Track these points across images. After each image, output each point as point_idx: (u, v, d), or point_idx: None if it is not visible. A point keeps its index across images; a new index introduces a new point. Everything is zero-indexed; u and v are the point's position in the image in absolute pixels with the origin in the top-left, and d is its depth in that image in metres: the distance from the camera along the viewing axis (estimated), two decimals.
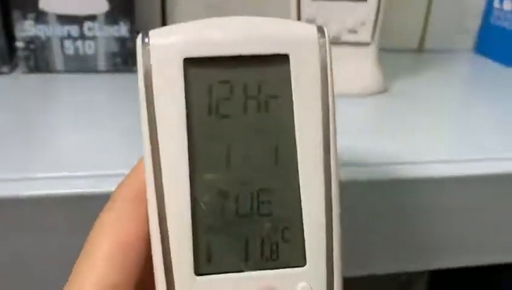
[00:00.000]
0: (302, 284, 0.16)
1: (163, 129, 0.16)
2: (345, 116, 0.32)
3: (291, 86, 0.16)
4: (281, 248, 0.16)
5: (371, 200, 0.26)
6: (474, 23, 0.49)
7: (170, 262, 0.16)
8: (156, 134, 0.16)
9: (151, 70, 0.16)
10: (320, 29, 0.17)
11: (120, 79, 0.38)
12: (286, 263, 0.17)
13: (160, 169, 0.16)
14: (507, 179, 0.28)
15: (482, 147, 0.30)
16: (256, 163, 0.17)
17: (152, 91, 0.16)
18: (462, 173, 0.27)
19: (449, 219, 0.28)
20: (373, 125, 0.33)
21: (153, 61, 0.16)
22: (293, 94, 0.16)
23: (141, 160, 0.18)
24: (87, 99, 0.35)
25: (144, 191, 0.17)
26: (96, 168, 0.25)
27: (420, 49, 0.49)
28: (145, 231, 0.17)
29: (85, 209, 0.23)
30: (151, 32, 0.17)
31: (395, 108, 0.35)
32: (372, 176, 0.26)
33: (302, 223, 0.16)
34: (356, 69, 0.35)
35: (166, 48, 0.16)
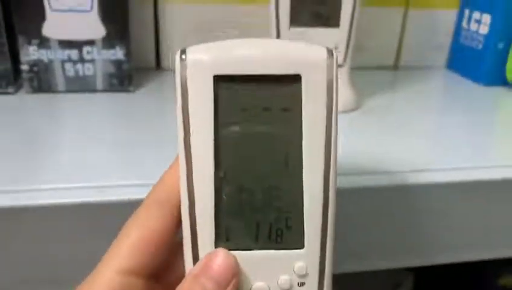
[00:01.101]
0: (299, 263, 0.20)
1: (195, 134, 0.19)
2: None
3: (302, 100, 0.19)
4: (284, 233, 0.20)
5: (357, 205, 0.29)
6: (446, 42, 0.52)
7: (196, 240, 0.19)
8: (189, 138, 0.19)
9: (186, 82, 0.19)
10: (329, 51, 0.19)
11: (117, 98, 0.40)
12: (288, 245, 0.20)
13: (191, 166, 0.19)
14: (477, 186, 0.30)
15: (453, 155, 0.33)
16: (268, 165, 0.20)
17: (187, 101, 0.19)
18: (429, 181, 0.30)
19: (422, 220, 0.31)
20: (349, 139, 0.37)
21: (189, 75, 0.19)
22: (303, 108, 0.19)
23: (168, 168, 0.21)
24: (87, 117, 0.37)
25: (171, 196, 0.20)
26: (96, 180, 0.27)
27: (395, 66, 0.52)
28: (167, 229, 0.20)
29: (86, 217, 0.26)
30: (188, 49, 0.19)
31: (367, 123, 0.38)
32: (347, 185, 0.29)
33: (302, 215, 0.20)
34: None
35: (200, 64, 0.19)
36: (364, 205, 0.29)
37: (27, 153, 0.30)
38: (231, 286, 0.19)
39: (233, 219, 0.20)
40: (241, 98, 0.19)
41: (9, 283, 0.27)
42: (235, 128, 0.20)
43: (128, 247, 0.20)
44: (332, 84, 0.19)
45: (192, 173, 0.19)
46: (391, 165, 0.31)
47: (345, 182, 0.28)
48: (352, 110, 0.39)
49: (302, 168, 0.20)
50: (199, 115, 0.19)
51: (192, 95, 0.19)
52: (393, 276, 0.63)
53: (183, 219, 0.20)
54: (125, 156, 0.30)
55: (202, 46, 0.20)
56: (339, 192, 0.28)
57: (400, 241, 0.31)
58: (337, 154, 0.20)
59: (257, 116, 0.20)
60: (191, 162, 0.19)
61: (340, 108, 0.38)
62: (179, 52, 0.19)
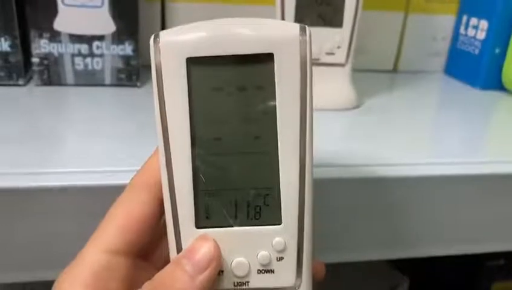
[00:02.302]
0: (277, 238, 0.20)
1: (171, 115, 0.20)
2: (322, 127, 0.36)
3: (275, 79, 0.19)
4: (262, 210, 0.20)
5: (352, 197, 0.30)
6: (444, 47, 0.54)
7: (177, 218, 0.20)
8: (166, 120, 0.20)
9: (160, 65, 0.19)
10: (302, 28, 0.19)
11: (124, 92, 0.41)
12: (266, 221, 0.20)
13: (169, 148, 0.20)
14: (467, 179, 0.31)
15: (446, 152, 0.34)
16: (245, 143, 0.20)
17: (162, 83, 0.19)
18: (425, 174, 0.31)
19: (415, 212, 0.32)
20: (348, 134, 0.38)
21: (162, 58, 0.19)
22: (276, 86, 0.19)
23: (151, 155, 0.22)
24: (95, 109, 0.38)
25: (155, 179, 0.21)
26: (101, 167, 0.28)
27: (395, 70, 0.53)
28: (151, 211, 0.21)
29: (93, 199, 0.27)
30: (162, 33, 0.20)
31: (365, 120, 0.39)
32: (344, 175, 0.30)
33: (279, 192, 0.20)
34: (332, 87, 0.39)
35: (172, 47, 0.19)
36: (354, 196, 0.30)
37: (36, 142, 0.31)
38: (210, 268, 0.19)
39: (212, 198, 0.20)
40: (215, 79, 0.20)
41: (18, 263, 0.28)
42: (210, 109, 0.20)
43: (114, 227, 0.21)
44: (306, 61, 0.19)
45: (170, 155, 0.20)
46: (384, 158, 0.32)
47: (336, 173, 0.29)
48: (352, 108, 0.41)
49: (277, 146, 0.20)
50: (174, 98, 0.19)
51: (166, 79, 0.19)
52: (389, 279, 0.64)
53: (164, 200, 0.20)
54: (130, 147, 0.31)
55: (175, 29, 0.20)
56: (330, 183, 0.29)
57: (390, 233, 0.32)
58: (313, 132, 0.20)
59: (232, 95, 0.20)
60: (169, 145, 0.20)
61: (340, 106, 0.40)
62: (152, 37, 0.19)
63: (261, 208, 0.20)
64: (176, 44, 0.19)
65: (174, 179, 0.20)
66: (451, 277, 0.61)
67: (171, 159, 0.20)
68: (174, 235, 0.20)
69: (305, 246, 0.21)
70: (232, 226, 0.20)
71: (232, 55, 0.19)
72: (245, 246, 0.20)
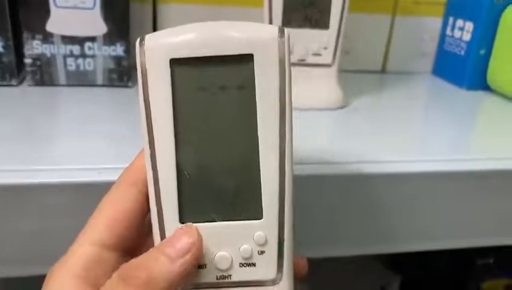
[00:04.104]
0: (258, 232, 0.21)
1: (156, 115, 0.20)
2: (308, 126, 0.37)
3: (255, 79, 0.20)
4: (244, 205, 0.21)
5: (340, 193, 0.31)
6: (431, 48, 0.55)
7: (162, 214, 0.21)
8: (151, 120, 0.20)
9: (145, 67, 0.20)
10: (281, 30, 0.20)
11: (116, 92, 0.42)
12: (247, 216, 0.21)
13: (154, 145, 0.21)
14: (453, 176, 0.32)
15: (433, 150, 0.35)
16: (226, 141, 0.21)
17: (147, 85, 0.20)
18: (412, 170, 0.31)
19: (401, 208, 0.32)
20: (335, 133, 0.39)
21: (147, 60, 0.20)
22: (256, 86, 0.20)
23: (139, 153, 0.23)
24: (86, 109, 0.38)
25: (142, 177, 0.22)
26: (94, 164, 0.28)
27: (383, 70, 0.54)
28: (138, 207, 0.22)
29: (85, 195, 0.27)
30: (147, 36, 0.20)
31: (351, 120, 0.40)
32: (331, 172, 0.30)
33: (260, 188, 0.21)
34: (319, 88, 0.40)
35: (156, 49, 0.20)
36: (341, 193, 0.31)
37: (29, 141, 0.32)
38: (191, 253, 0.20)
39: (195, 194, 0.21)
40: (197, 79, 0.20)
41: (15, 258, 0.28)
42: (193, 107, 0.20)
43: (104, 222, 0.21)
44: (284, 62, 0.20)
45: (155, 153, 0.21)
46: (371, 156, 0.32)
47: (323, 170, 0.30)
48: (339, 108, 0.41)
49: (258, 143, 0.21)
50: (158, 98, 0.20)
51: (151, 79, 0.20)
52: (380, 278, 0.65)
53: (149, 196, 0.21)
54: (120, 145, 0.32)
55: (159, 32, 0.21)
56: (318, 179, 0.30)
57: (376, 229, 0.33)
58: (292, 128, 0.21)
59: (213, 95, 0.20)
60: (154, 142, 0.20)
61: (326, 105, 0.41)
62: (138, 40, 0.20)
63: (242, 203, 0.21)
64: (160, 46, 0.20)
65: (159, 176, 0.21)
66: (442, 275, 0.62)
67: (155, 156, 0.21)
68: (158, 230, 0.21)
69: (286, 240, 0.21)
70: (215, 221, 0.21)
71: (214, 56, 0.20)
72: (227, 240, 0.21)
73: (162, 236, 0.21)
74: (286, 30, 0.20)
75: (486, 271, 0.60)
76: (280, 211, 0.21)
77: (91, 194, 0.27)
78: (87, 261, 0.21)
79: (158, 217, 0.21)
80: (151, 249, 0.20)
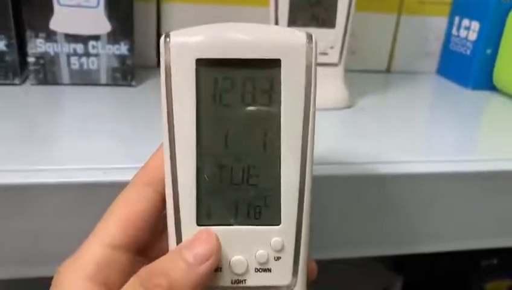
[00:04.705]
0: (276, 238, 0.21)
1: (178, 114, 0.20)
2: (315, 125, 0.37)
3: (281, 83, 0.20)
4: (262, 210, 0.21)
5: (347, 194, 0.31)
6: (436, 48, 0.54)
7: (179, 215, 0.21)
8: (172, 117, 0.20)
9: (170, 64, 0.20)
10: (309, 36, 0.20)
11: (119, 91, 0.41)
12: (265, 221, 0.21)
13: (174, 145, 0.20)
14: (459, 176, 0.32)
15: (439, 150, 0.35)
16: (248, 144, 0.21)
17: (170, 82, 0.20)
18: (418, 171, 0.31)
19: (407, 208, 0.32)
20: (341, 132, 0.38)
21: (172, 58, 0.20)
22: (282, 90, 0.20)
23: (153, 153, 0.22)
24: (90, 108, 0.38)
25: (156, 177, 0.21)
26: (98, 164, 0.28)
27: (388, 70, 0.54)
28: (152, 207, 0.22)
29: (91, 195, 0.27)
30: (172, 33, 0.20)
31: (358, 119, 0.40)
32: (338, 173, 0.30)
33: (280, 193, 0.21)
34: (325, 87, 0.39)
35: (182, 48, 0.20)
36: (348, 193, 0.31)
37: (31, 140, 0.31)
38: (210, 260, 0.20)
39: (214, 197, 0.21)
40: (222, 81, 0.20)
41: (18, 258, 0.28)
42: (216, 110, 0.20)
43: (116, 223, 0.21)
44: (311, 69, 0.20)
45: (175, 154, 0.20)
46: (377, 156, 0.32)
47: (330, 170, 0.30)
48: (345, 107, 0.41)
49: (280, 148, 0.20)
50: (182, 97, 0.20)
51: (175, 78, 0.20)
52: (382, 279, 0.65)
53: (167, 197, 0.21)
54: (124, 144, 0.32)
55: (186, 30, 0.20)
56: (324, 180, 0.30)
57: (383, 230, 0.33)
58: (315, 136, 0.21)
59: (238, 98, 0.20)
60: (174, 144, 0.20)
61: (333, 105, 0.40)
62: (163, 36, 0.20)
63: (261, 208, 0.21)
64: (186, 45, 0.20)
65: (178, 177, 0.20)
66: (445, 276, 0.61)
67: (175, 156, 0.20)
68: (175, 231, 0.21)
69: (302, 246, 0.21)
70: (232, 225, 0.21)
71: (241, 59, 0.20)
72: (244, 244, 0.21)
73: (178, 238, 0.21)
74: (314, 36, 0.20)
75: (489, 272, 0.60)
76: (298, 217, 0.21)
77: (95, 194, 0.27)
78: (99, 262, 0.20)
79: (175, 218, 0.21)
80: (170, 253, 0.20)
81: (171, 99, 0.20)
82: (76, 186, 0.27)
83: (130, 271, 0.21)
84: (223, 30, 0.20)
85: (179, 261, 0.19)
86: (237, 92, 0.20)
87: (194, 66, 0.20)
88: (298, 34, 0.20)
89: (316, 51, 0.20)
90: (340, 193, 0.31)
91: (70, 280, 0.20)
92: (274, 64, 0.20)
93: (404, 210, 0.32)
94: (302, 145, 0.20)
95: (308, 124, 0.20)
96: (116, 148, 0.31)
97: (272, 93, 0.20)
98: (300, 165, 0.21)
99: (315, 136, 0.21)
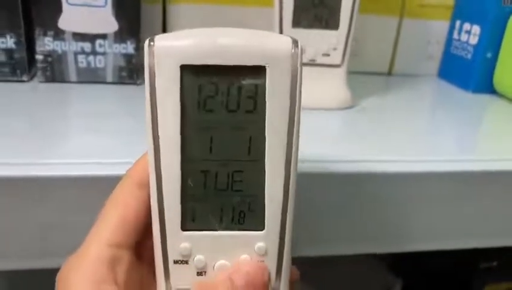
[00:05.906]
0: (259, 243, 0.21)
1: (162, 119, 0.20)
2: (317, 125, 0.38)
3: (266, 89, 0.20)
4: (247, 216, 0.21)
5: (342, 192, 0.31)
6: (438, 51, 0.55)
7: (164, 220, 0.21)
8: (157, 123, 0.20)
9: (154, 69, 0.19)
10: (295, 42, 0.20)
11: (125, 90, 0.42)
12: (249, 227, 0.21)
13: (159, 151, 0.20)
14: (458, 176, 0.32)
15: (439, 150, 0.35)
16: (233, 150, 0.20)
17: (155, 87, 0.19)
18: (415, 170, 0.31)
19: (400, 207, 0.33)
20: (342, 132, 0.39)
21: (156, 62, 0.19)
22: (267, 96, 0.20)
23: (145, 153, 0.22)
24: (96, 106, 0.39)
25: (147, 178, 0.21)
26: (102, 158, 0.28)
27: (389, 73, 0.54)
28: (145, 207, 0.22)
29: (99, 189, 0.27)
30: (157, 37, 0.20)
31: (359, 119, 0.40)
32: (336, 170, 0.30)
33: (264, 199, 0.21)
34: (328, 88, 0.40)
35: (167, 53, 0.19)
36: (345, 191, 0.31)
37: (38, 137, 0.32)
38: None
39: (198, 202, 0.21)
40: (207, 87, 0.20)
41: (19, 251, 0.29)
42: (201, 116, 0.20)
43: (116, 221, 0.21)
44: (296, 74, 0.20)
45: (160, 159, 0.20)
46: (376, 155, 0.33)
47: (328, 167, 0.30)
48: (346, 108, 0.42)
49: (264, 155, 0.20)
50: (166, 102, 0.20)
51: (159, 82, 0.19)
52: (382, 281, 0.65)
53: (151, 201, 0.21)
54: (130, 142, 0.31)
55: (171, 34, 0.20)
56: (322, 177, 0.30)
57: (381, 228, 0.33)
58: (299, 144, 0.21)
59: (223, 104, 0.20)
60: (159, 148, 0.20)
61: (335, 105, 0.41)
62: (147, 40, 0.20)
63: (245, 213, 0.21)
64: (170, 50, 0.19)
65: (163, 182, 0.20)
66: (444, 278, 0.62)
67: (160, 161, 0.20)
68: (160, 235, 0.21)
69: (285, 251, 0.21)
70: (217, 230, 0.21)
71: (226, 66, 0.20)
72: (228, 249, 0.21)
73: (163, 242, 0.21)
74: (299, 42, 0.20)
75: (489, 274, 0.60)
76: (282, 223, 0.21)
77: (100, 187, 0.27)
78: (103, 262, 0.20)
79: (160, 223, 0.21)
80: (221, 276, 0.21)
81: (156, 104, 0.20)
82: (80, 180, 0.27)
83: (133, 269, 0.22)
84: (209, 35, 0.20)
85: None
86: (222, 97, 0.20)
87: (178, 72, 0.19)
88: (284, 40, 0.20)
89: (301, 57, 0.20)
90: (339, 191, 0.31)
91: (77, 283, 0.20)
92: (259, 70, 0.20)
93: (402, 209, 0.33)
94: (287, 151, 0.20)
95: (293, 130, 0.20)
96: (121, 145, 0.31)
97: (257, 99, 0.20)
98: (284, 171, 0.20)
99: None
